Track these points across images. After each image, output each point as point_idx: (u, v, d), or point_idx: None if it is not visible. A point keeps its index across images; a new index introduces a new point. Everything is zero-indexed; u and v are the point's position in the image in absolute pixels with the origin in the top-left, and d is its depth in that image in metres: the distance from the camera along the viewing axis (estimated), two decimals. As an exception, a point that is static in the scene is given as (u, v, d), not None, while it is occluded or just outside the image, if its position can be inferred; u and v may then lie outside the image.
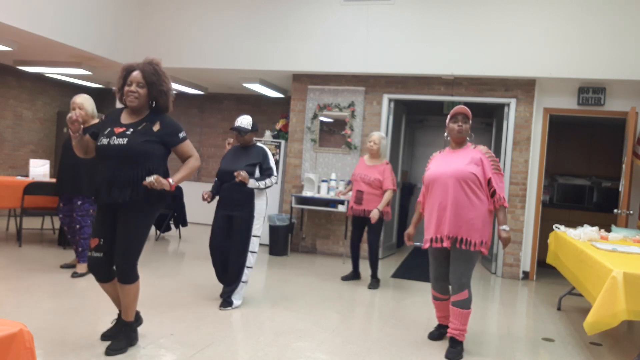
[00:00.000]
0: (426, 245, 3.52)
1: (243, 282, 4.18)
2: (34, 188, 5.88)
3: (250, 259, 4.16)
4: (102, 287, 3.15)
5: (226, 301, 4.14)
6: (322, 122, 7.26)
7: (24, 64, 7.78)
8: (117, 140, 2.92)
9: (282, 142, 7.58)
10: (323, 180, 7.03)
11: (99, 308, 3.88)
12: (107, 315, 3.70)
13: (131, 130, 2.97)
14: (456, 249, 3.38)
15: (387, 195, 5.21)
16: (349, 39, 6.75)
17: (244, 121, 4.24)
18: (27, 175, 6.38)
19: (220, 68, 7.31)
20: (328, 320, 4.05)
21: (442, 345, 3.63)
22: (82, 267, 4.83)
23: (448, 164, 3.46)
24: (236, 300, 4.19)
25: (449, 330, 3.48)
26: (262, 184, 4.12)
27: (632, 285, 2.94)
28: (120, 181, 2.91)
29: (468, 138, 3.58)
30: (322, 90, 7.26)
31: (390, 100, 7.02)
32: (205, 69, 7.39)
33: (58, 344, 3.08)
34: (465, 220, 3.33)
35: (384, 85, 7.00)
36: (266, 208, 4.29)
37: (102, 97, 10.61)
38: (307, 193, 7.02)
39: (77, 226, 4.84)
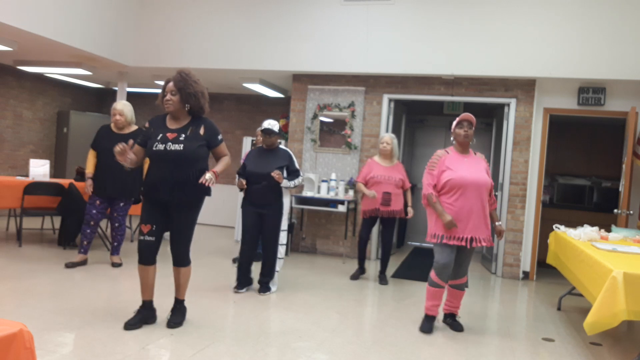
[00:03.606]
0: (437, 241, 3.82)
1: (277, 271, 4.73)
2: (34, 188, 5.88)
3: (281, 251, 4.70)
4: (140, 272, 3.50)
5: (265, 287, 4.68)
6: (322, 122, 7.27)
7: (24, 64, 7.78)
8: (173, 146, 3.37)
9: (282, 142, 7.57)
10: (323, 180, 7.03)
11: (98, 308, 3.88)
12: (107, 315, 3.70)
13: (183, 136, 3.41)
14: (470, 248, 3.83)
15: (408, 193, 5.58)
16: (349, 39, 6.75)
17: (272, 123, 4.65)
18: (27, 175, 6.38)
19: (220, 68, 7.31)
20: (328, 320, 4.05)
21: (443, 346, 3.63)
22: (116, 258, 5.39)
23: (473, 170, 3.80)
24: (273, 287, 4.74)
25: (447, 307, 4.10)
26: (292, 183, 4.62)
27: (632, 285, 2.95)
28: (179, 182, 3.37)
29: (470, 143, 3.91)
30: (322, 90, 7.26)
31: (390, 100, 7.02)
32: (205, 69, 7.39)
33: (58, 344, 3.09)
34: (485, 225, 3.81)
35: (384, 85, 7.00)
36: (289, 204, 4.90)
37: (102, 97, 10.64)
38: (307, 193, 7.01)
39: (117, 224, 5.32)
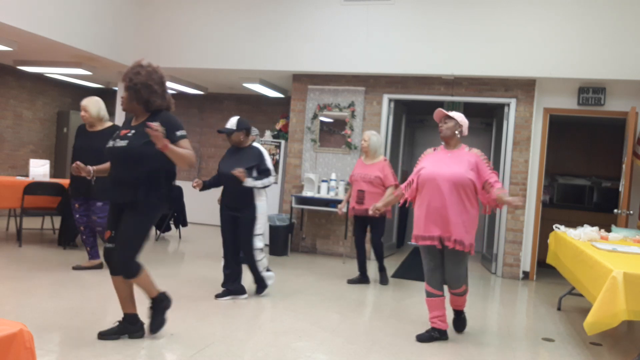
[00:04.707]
0: (414, 241, 3.69)
1: (262, 273, 4.53)
2: (34, 188, 5.88)
3: (258, 255, 4.45)
4: (113, 283, 3.25)
5: (259, 288, 4.60)
6: (322, 122, 7.26)
7: (24, 64, 7.77)
8: (119, 143, 3.08)
9: (282, 142, 7.58)
10: (323, 181, 7.03)
11: (98, 308, 3.88)
12: (107, 315, 3.70)
13: (134, 132, 3.09)
14: (450, 250, 3.57)
15: (390, 192, 5.13)
16: (349, 39, 6.75)
17: (230, 122, 4.37)
18: (27, 175, 6.38)
19: (220, 68, 7.31)
20: (328, 320, 4.05)
21: (443, 346, 3.63)
22: (87, 263, 5.14)
23: (446, 165, 3.57)
24: (269, 280, 4.60)
25: (452, 304, 3.89)
26: (259, 183, 4.27)
27: (632, 285, 2.95)
28: (123, 182, 3.07)
29: (458, 135, 3.70)
30: (322, 90, 7.26)
31: (390, 100, 7.02)
32: (205, 69, 7.39)
33: (58, 344, 3.08)
34: (458, 223, 3.49)
35: (384, 85, 7.00)
36: (266, 207, 4.52)
37: (102, 97, 10.60)
38: (307, 193, 7.02)
39: (99, 228, 5.01)
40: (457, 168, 3.53)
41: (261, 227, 4.42)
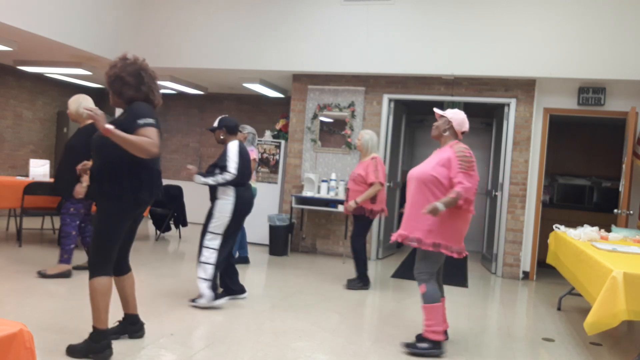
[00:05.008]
0: (393, 239, 3.62)
1: (201, 277, 4.09)
2: (34, 188, 5.87)
3: (206, 254, 4.11)
4: (115, 283, 3.19)
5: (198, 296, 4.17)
6: (322, 122, 7.26)
7: (24, 64, 7.77)
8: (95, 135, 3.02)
9: (282, 142, 7.58)
10: (323, 180, 7.03)
11: (99, 308, 3.87)
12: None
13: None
14: (416, 248, 3.44)
15: (370, 189, 5.03)
16: (349, 39, 6.75)
17: (217, 119, 4.35)
18: (27, 175, 6.38)
19: (220, 68, 7.31)
20: (328, 320, 4.05)
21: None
22: (55, 269, 4.79)
23: (423, 164, 3.56)
24: (199, 300, 4.11)
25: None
26: (210, 179, 4.09)
27: (632, 285, 2.94)
28: (91, 175, 3.01)
29: (446, 133, 3.54)
30: (322, 90, 7.26)
31: (390, 100, 7.02)
32: (205, 69, 7.39)
33: (58, 344, 3.08)
34: (420, 221, 3.38)
35: (384, 85, 7.00)
36: (232, 209, 4.13)
37: (102, 97, 10.62)
38: (307, 193, 7.02)
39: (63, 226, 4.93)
40: (426, 165, 3.46)
41: (218, 227, 4.11)
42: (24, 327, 1.52)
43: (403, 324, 4.10)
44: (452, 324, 4.07)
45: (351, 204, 5.08)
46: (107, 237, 2.95)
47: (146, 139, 2.79)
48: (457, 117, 3.54)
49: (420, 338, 3.46)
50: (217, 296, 4.19)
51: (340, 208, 6.68)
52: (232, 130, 4.32)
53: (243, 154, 4.24)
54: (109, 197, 2.91)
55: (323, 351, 3.35)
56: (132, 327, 3.27)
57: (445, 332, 3.61)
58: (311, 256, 7.05)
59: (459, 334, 3.94)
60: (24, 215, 6.02)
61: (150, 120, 2.87)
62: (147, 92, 3.02)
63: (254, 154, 5.41)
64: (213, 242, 4.13)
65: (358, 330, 3.88)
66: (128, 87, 2.98)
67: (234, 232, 4.26)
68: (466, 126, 3.54)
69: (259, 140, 7.67)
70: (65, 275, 4.73)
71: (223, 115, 4.43)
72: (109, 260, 2.98)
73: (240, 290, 4.52)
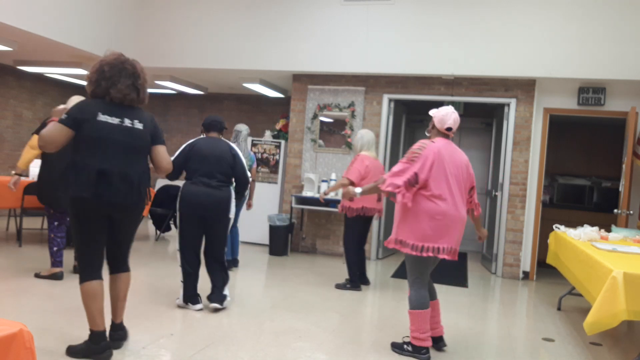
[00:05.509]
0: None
1: (182, 281, 4.14)
2: (34, 188, 5.87)
3: (178, 256, 4.21)
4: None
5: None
6: (322, 122, 7.27)
7: (24, 64, 7.77)
8: None
9: (282, 142, 7.58)
10: (323, 180, 7.03)
11: (99, 308, 3.87)
12: (106, 315, 3.69)
13: None
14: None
15: (339, 181, 5.04)
16: (349, 39, 6.75)
17: None
18: (27, 175, 6.37)
19: (220, 68, 7.31)
20: (328, 321, 4.05)
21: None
22: (46, 271, 4.86)
23: None
24: (179, 299, 4.13)
25: None
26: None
27: (632, 285, 2.94)
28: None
29: (428, 134, 3.53)
30: (322, 90, 7.26)
31: (390, 100, 7.03)
32: (205, 69, 7.39)
33: (58, 344, 3.08)
34: (398, 222, 3.36)
35: (384, 85, 7.00)
36: (178, 206, 4.26)
37: (102, 97, 10.62)
38: (307, 193, 7.02)
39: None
40: None
41: (180, 227, 4.22)
42: (24, 327, 1.52)
43: (403, 324, 4.09)
44: (452, 324, 4.08)
45: (321, 194, 5.32)
46: (79, 240, 2.95)
47: (46, 129, 2.85)
48: (437, 115, 3.42)
49: (406, 341, 3.42)
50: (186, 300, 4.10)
51: (340, 208, 6.68)
52: (206, 127, 4.37)
53: (201, 149, 4.09)
54: (68, 201, 2.91)
55: (323, 351, 3.35)
56: (112, 333, 3.13)
57: (440, 338, 3.51)
58: (311, 256, 7.05)
59: (459, 334, 3.95)
60: (24, 215, 6.02)
61: (64, 116, 2.88)
62: (107, 87, 2.96)
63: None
64: (179, 242, 4.17)
65: (358, 330, 3.88)
66: (94, 85, 2.98)
67: (191, 233, 4.17)
68: (448, 123, 3.35)
69: (259, 140, 7.67)
70: (57, 277, 4.68)
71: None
72: (93, 264, 2.95)
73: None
